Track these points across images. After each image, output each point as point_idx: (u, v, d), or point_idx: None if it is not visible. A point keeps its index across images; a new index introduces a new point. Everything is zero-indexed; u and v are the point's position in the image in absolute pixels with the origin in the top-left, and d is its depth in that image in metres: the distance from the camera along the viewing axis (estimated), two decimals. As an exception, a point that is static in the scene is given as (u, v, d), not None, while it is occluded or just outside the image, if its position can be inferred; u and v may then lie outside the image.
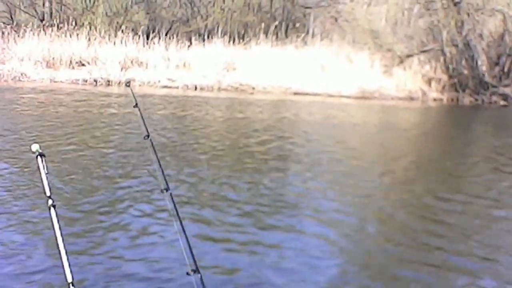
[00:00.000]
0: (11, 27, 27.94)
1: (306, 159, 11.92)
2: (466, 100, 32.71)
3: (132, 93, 5.39)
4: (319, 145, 14.14)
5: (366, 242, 7.05)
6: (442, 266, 6.28)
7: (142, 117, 4.83)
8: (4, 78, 23.85)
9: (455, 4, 33.42)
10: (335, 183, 9.97)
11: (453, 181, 10.94)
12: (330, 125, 18.46)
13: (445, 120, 25.46)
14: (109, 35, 29.27)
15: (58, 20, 29.76)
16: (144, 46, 29.68)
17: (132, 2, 37.51)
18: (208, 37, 33.65)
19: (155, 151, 4.47)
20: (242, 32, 36.79)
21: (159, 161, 4.35)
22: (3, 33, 27.29)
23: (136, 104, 5.07)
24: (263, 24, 35.30)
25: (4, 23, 29.75)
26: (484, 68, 33.07)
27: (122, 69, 26.99)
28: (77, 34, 28.13)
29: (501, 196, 9.80)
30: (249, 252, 6.19)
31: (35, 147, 3.46)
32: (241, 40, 33.05)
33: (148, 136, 4.61)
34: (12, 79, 23.99)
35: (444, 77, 32.86)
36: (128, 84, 5.97)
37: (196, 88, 27.05)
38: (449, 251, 6.74)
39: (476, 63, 33.05)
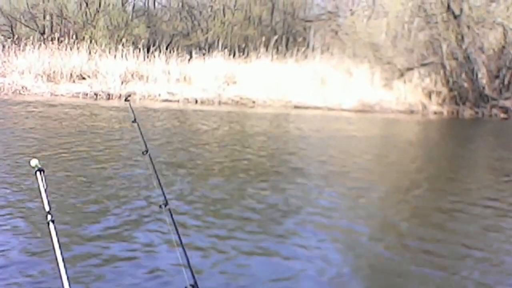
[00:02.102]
0: (12, 41, 28.03)
1: (319, 172, 11.84)
2: (467, 113, 32.83)
3: (131, 108, 5.39)
4: (332, 159, 13.98)
5: (388, 250, 7.04)
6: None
7: (140, 132, 4.83)
8: (4, 92, 23.90)
9: (455, 17, 33.55)
10: (353, 197, 9.89)
11: (466, 195, 10.89)
12: (339, 139, 18.41)
13: (448, 133, 25.46)
14: (110, 49, 29.36)
15: (58, 34, 29.93)
16: (144, 59, 29.79)
17: (132, 15, 37.70)
18: (208, 50, 33.81)
19: (153, 166, 4.47)
20: (243, 45, 36.92)
21: (157, 176, 4.33)
22: (3, 46, 27.40)
23: (135, 119, 5.06)
24: (263, 38, 35.43)
25: (4, 36, 29.84)
26: (484, 81, 33.19)
27: (122, 82, 27.06)
28: (78, 48, 28.23)
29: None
30: (250, 267, 6.12)
31: (34, 162, 3.43)
32: (241, 54, 33.15)
33: (146, 151, 4.60)
34: (12, 93, 24.04)
35: (444, 90, 32.99)
36: (127, 99, 5.94)
37: (196, 102, 27.12)
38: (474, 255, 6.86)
39: (476, 76, 33.17)
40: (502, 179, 13.13)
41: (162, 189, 4.09)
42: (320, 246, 6.91)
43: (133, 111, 5.25)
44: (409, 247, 7.20)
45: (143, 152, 4.62)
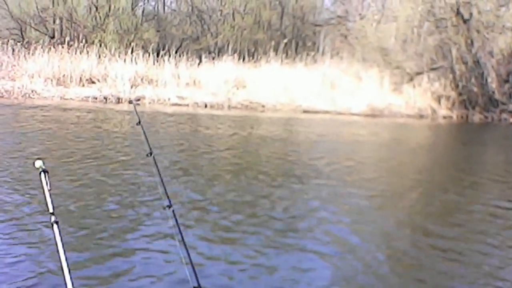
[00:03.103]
0: (22, 44, 28.16)
1: (339, 177, 11.74)
2: (476, 117, 32.69)
3: (135, 111, 5.41)
4: (349, 163, 13.77)
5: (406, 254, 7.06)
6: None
7: (145, 134, 4.85)
8: (14, 95, 23.95)
9: (465, 22, 33.43)
10: (377, 201, 9.80)
11: (489, 198, 10.86)
12: (353, 143, 18.30)
13: (459, 137, 25.35)
14: (119, 53, 29.39)
15: (68, 38, 29.93)
16: (154, 63, 29.81)
17: (142, 19, 37.75)
18: (218, 54, 33.85)
19: (157, 167, 4.48)
20: (252, 49, 36.92)
21: (161, 178, 4.35)
22: (13, 50, 27.50)
23: (139, 121, 5.08)
24: (273, 42, 35.45)
25: (14, 40, 29.90)
26: (493, 85, 33.04)
27: (132, 86, 27.08)
28: (87, 52, 28.27)
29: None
30: (254, 271, 6.08)
31: (38, 163, 3.44)
32: (251, 58, 33.14)
33: (151, 153, 4.61)
34: (22, 96, 24.08)
35: (454, 95, 32.87)
36: (131, 101, 5.91)
37: (206, 106, 27.10)
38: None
39: (486, 80, 33.05)
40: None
41: (165, 190, 4.10)
42: (344, 247, 6.95)
43: (137, 113, 5.27)
44: (436, 247, 7.22)
45: (147, 154, 4.63)
